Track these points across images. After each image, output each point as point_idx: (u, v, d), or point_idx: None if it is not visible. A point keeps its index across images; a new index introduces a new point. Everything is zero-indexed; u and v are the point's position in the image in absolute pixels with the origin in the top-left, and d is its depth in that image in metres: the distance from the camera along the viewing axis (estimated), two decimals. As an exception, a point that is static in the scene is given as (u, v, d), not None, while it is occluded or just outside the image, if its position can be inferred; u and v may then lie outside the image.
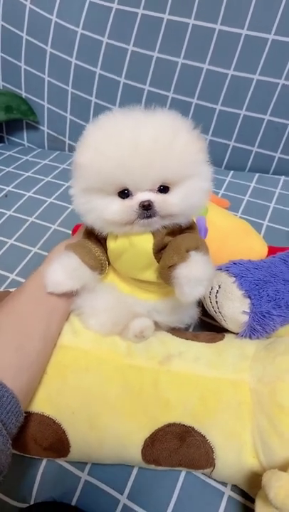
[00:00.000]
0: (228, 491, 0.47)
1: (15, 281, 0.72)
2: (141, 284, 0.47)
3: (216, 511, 0.46)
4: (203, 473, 0.48)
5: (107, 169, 0.39)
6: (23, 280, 0.72)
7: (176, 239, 0.42)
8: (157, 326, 0.50)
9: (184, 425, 0.43)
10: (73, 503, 0.48)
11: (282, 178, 0.98)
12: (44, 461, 0.50)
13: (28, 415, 0.44)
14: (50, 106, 1.10)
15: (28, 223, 0.85)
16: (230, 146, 1.01)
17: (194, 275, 0.39)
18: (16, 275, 0.73)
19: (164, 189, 0.41)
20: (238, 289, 0.49)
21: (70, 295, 0.47)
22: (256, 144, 1.00)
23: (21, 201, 0.91)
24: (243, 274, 0.50)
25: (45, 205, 0.90)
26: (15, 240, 0.81)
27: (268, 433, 0.41)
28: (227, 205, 0.81)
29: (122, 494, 0.48)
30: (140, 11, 0.93)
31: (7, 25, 1.04)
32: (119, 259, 0.45)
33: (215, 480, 0.47)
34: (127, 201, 0.41)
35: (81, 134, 0.42)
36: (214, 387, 0.44)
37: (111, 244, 0.44)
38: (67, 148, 1.14)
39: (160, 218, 0.41)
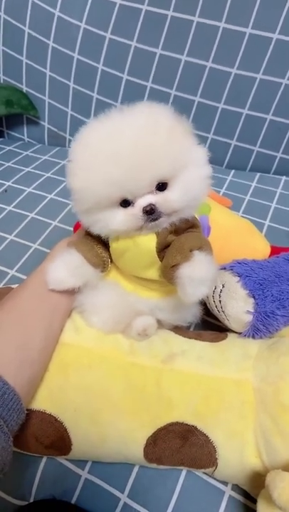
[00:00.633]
0: (228, 491, 0.47)
1: (15, 278, 0.71)
2: (143, 282, 0.47)
3: (216, 511, 0.46)
4: (204, 473, 0.48)
5: (100, 188, 0.38)
6: (23, 276, 0.71)
7: (180, 238, 0.41)
8: (160, 325, 0.50)
9: (186, 424, 0.43)
10: (73, 501, 0.48)
11: (284, 178, 0.97)
12: (44, 459, 0.50)
13: (30, 413, 0.43)
14: (51, 101, 1.10)
15: (28, 219, 0.84)
16: (232, 145, 1.01)
17: (197, 275, 0.39)
18: (16, 271, 0.73)
19: (163, 186, 0.40)
20: (243, 289, 0.49)
21: (72, 292, 0.47)
22: (258, 144, 0.99)
23: (21, 197, 0.91)
24: (248, 273, 0.49)
25: (45, 201, 0.89)
26: (15, 236, 0.80)
27: (270, 432, 0.41)
28: (229, 204, 0.81)
29: (122, 493, 0.48)
30: (144, 7, 0.92)
31: (9, 19, 1.03)
32: (121, 258, 0.45)
33: (216, 479, 0.47)
34: (129, 210, 0.40)
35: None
36: (217, 386, 0.44)
37: (114, 243, 0.44)
38: (67, 144, 1.13)
39: (166, 217, 0.41)
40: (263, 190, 0.94)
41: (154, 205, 0.39)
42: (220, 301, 0.50)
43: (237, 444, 0.42)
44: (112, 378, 0.45)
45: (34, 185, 0.94)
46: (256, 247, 0.65)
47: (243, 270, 0.50)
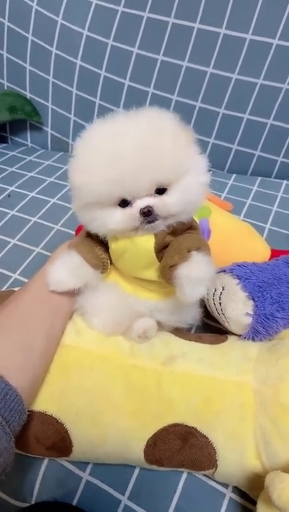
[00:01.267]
0: (229, 493, 0.47)
1: (17, 281, 0.72)
2: (143, 283, 0.47)
3: (217, 512, 0.46)
4: (204, 475, 0.48)
5: (100, 186, 0.39)
6: (25, 280, 0.72)
7: (178, 239, 0.42)
8: (160, 327, 0.51)
9: (186, 426, 0.43)
10: (74, 503, 0.48)
11: (285, 182, 0.98)
12: (45, 461, 0.50)
13: (31, 414, 0.44)
14: (54, 107, 1.11)
15: (31, 223, 0.85)
16: (233, 150, 1.02)
17: (195, 275, 0.39)
18: (18, 275, 0.73)
19: (161, 190, 0.41)
20: (242, 291, 0.49)
21: (73, 294, 0.47)
22: (259, 148, 1.00)
23: (24, 201, 0.92)
24: (247, 276, 0.50)
25: (48, 205, 0.90)
26: (18, 240, 0.81)
27: (270, 434, 0.41)
28: (230, 208, 0.82)
29: (123, 495, 0.48)
30: (146, 14, 0.94)
31: (13, 26, 1.05)
32: (121, 259, 0.45)
33: (216, 481, 0.47)
34: (127, 210, 0.41)
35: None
36: (218, 388, 0.44)
37: (113, 244, 0.45)
38: (70, 150, 1.14)
39: (163, 220, 0.41)
40: (264, 194, 0.94)
41: (151, 207, 0.40)
42: (220, 303, 0.51)
43: (237, 446, 0.43)
44: (113, 380, 0.45)
45: (37, 189, 0.95)
46: (256, 250, 0.65)
47: (243, 273, 0.50)
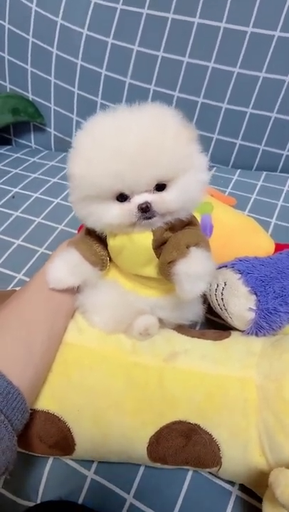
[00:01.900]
0: (235, 491, 0.46)
1: (22, 281, 0.72)
2: (142, 280, 0.47)
3: (223, 511, 0.45)
4: (210, 473, 0.47)
5: (100, 178, 0.39)
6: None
7: (177, 235, 0.42)
8: (163, 324, 0.50)
9: (189, 423, 0.43)
10: (80, 501, 0.48)
11: (290, 176, 0.97)
12: (50, 460, 0.50)
13: (33, 413, 0.44)
14: (56, 108, 1.11)
15: (35, 224, 0.85)
16: (237, 145, 1.01)
17: (194, 271, 0.39)
18: (22, 275, 0.73)
19: (161, 187, 0.40)
20: (244, 286, 0.48)
21: (74, 292, 0.47)
22: (263, 142, 0.99)
23: (28, 202, 0.92)
24: (249, 270, 0.49)
25: (52, 205, 0.90)
26: (22, 241, 0.81)
27: (274, 429, 0.40)
28: (233, 203, 0.81)
29: (128, 493, 0.48)
30: (145, 11, 0.93)
31: (13, 28, 1.05)
32: (119, 255, 0.45)
33: (222, 479, 0.47)
34: (125, 205, 0.40)
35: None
36: (220, 384, 0.44)
37: (111, 241, 0.44)
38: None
39: (160, 217, 0.41)
40: (269, 188, 0.93)
41: (149, 203, 0.39)
42: (222, 299, 0.50)
43: (241, 442, 0.42)
44: (114, 377, 0.45)
45: (41, 190, 0.95)
46: (260, 244, 0.64)
47: (245, 267, 0.49)
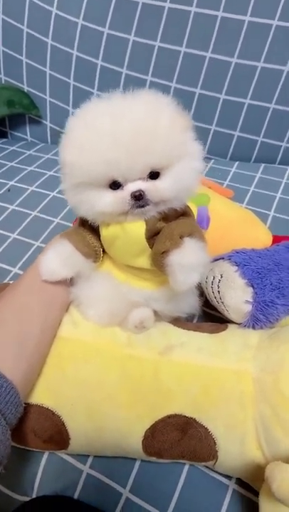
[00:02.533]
0: (232, 485, 0.46)
1: (17, 275, 0.71)
2: (136, 272, 0.46)
3: (220, 505, 0.45)
4: (206, 467, 0.47)
5: (93, 165, 0.38)
6: (25, 274, 0.71)
7: (170, 225, 0.41)
8: (159, 317, 0.49)
9: (185, 416, 0.42)
10: (75, 496, 0.48)
11: (289, 168, 0.96)
12: (46, 455, 0.49)
13: (28, 407, 0.43)
14: (52, 99, 1.10)
15: (30, 217, 0.85)
16: (235, 137, 1.00)
17: (188, 261, 0.38)
18: (18, 269, 0.73)
19: (154, 175, 0.40)
20: (241, 278, 0.47)
21: (68, 284, 0.47)
22: (262, 134, 0.97)
23: (24, 195, 0.91)
24: (246, 262, 0.48)
25: (47, 198, 0.89)
26: (17, 234, 0.80)
27: (270, 422, 0.40)
28: (231, 195, 0.80)
29: (124, 488, 0.47)
30: (141, 0, 0.92)
31: (7, 19, 1.04)
32: (112, 246, 0.44)
33: (219, 473, 0.46)
34: (118, 193, 0.40)
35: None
36: (216, 377, 0.43)
37: (103, 231, 0.44)
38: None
39: (154, 205, 0.40)
40: (267, 180, 0.92)
41: (143, 191, 0.39)
42: (218, 291, 0.49)
43: (237, 436, 0.41)
44: (109, 370, 0.44)
45: (37, 183, 0.94)
46: (258, 236, 0.64)
47: (241, 259, 0.49)
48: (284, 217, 0.81)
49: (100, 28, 0.97)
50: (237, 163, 0.98)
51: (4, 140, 1.17)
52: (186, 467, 0.47)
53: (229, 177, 0.93)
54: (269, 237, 0.64)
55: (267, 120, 0.95)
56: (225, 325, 0.51)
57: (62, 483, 0.49)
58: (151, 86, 0.96)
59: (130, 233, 0.42)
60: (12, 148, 1.11)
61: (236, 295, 0.48)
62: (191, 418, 0.42)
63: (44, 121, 1.14)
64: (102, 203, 0.40)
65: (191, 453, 0.43)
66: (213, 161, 1.00)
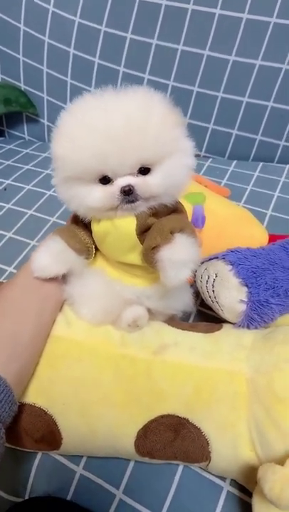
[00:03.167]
0: (226, 486, 0.46)
1: (12, 274, 0.71)
2: (128, 268, 0.46)
3: (214, 506, 0.45)
4: (200, 468, 0.46)
5: (83, 159, 0.38)
6: (20, 273, 0.71)
7: (161, 220, 0.41)
8: (154, 316, 0.49)
9: (178, 417, 0.42)
10: (68, 497, 0.48)
11: (287, 166, 0.95)
12: (39, 455, 0.49)
13: (20, 406, 0.43)
14: (49, 98, 1.09)
15: (26, 216, 0.84)
16: (233, 135, 0.99)
17: (178, 257, 0.38)
18: (14, 268, 0.72)
19: (145, 170, 0.40)
20: (235, 277, 0.47)
21: (61, 282, 0.46)
22: (260, 132, 0.97)
23: (20, 194, 0.90)
24: (241, 261, 0.48)
25: (44, 197, 0.89)
26: (13, 233, 0.80)
27: (264, 424, 0.39)
28: (227, 194, 0.79)
29: (118, 489, 0.47)
30: (138, -2, 0.91)
31: (4, 17, 1.03)
32: (104, 242, 0.44)
33: (213, 475, 0.46)
34: (108, 187, 0.40)
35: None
36: (209, 377, 0.43)
37: (95, 227, 0.44)
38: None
39: (144, 201, 0.40)
40: (265, 179, 0.91)
41: (132, 186, 0.39)
42: (213, 291, 0.49)
43: (230, 437, 0.41)
44: (102, 370, 0.44)
45: (33, 182, 0.94)
46: (253, 235, 0.63)
47: (236, 258, 0.48)
48: (282, 216, 0.80)
49: (97, 26, 0.96)
50: (235, 161, 0.98)
51: (1, 139, 1.16)
52: (180, 468, 0.47)
53: (227, 175, 0.93)
54: (265, 236, 0.64)
55: (265, 118, 0.95)
56: (220, 325, 0.50)
57: (56, 484, 0.48)
58: (149, 84, 0.95)
59: (121, 229, 0.42)
60: (9, 146, 1.10)
61: (231, 294, 0.47)
62: (184, 418, 0.42)
63: (41, 120, 1.13)
64: (92, 197, 0.40)
65: (184, 453, 0.43)
66: (211, 159, 0.99)
